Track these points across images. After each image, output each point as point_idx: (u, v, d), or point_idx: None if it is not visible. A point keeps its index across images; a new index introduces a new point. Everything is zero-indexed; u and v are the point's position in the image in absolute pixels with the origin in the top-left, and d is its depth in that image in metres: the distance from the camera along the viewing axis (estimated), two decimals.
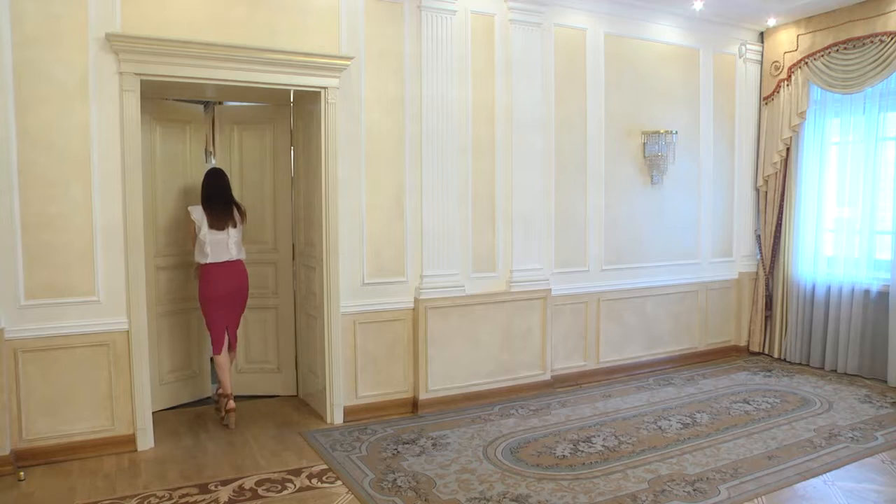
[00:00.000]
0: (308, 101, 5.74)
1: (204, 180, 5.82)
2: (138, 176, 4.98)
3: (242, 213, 5.75)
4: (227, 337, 5.73)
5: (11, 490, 4.35)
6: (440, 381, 5.95)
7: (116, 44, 4.74)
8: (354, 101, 5.57)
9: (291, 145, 6.21)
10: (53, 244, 4.72)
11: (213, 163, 6.56)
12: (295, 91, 5.79)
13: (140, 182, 5.01)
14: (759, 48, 7.73)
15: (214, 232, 5.54)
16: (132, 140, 4.91)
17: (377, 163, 5.70)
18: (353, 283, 5.65)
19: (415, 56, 5.77)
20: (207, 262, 5.56)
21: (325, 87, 5.41)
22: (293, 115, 6.17)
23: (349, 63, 5.46)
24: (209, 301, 5.61)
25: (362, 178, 5.64)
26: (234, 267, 5.65)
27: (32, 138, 4.62)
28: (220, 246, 5.57)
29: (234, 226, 5.63)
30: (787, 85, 7.41)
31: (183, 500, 4.20)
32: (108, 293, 4.89)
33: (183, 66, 4.96)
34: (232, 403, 5.57)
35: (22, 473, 4.51)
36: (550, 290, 6.45)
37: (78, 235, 4.79)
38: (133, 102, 4.88)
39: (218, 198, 5.65)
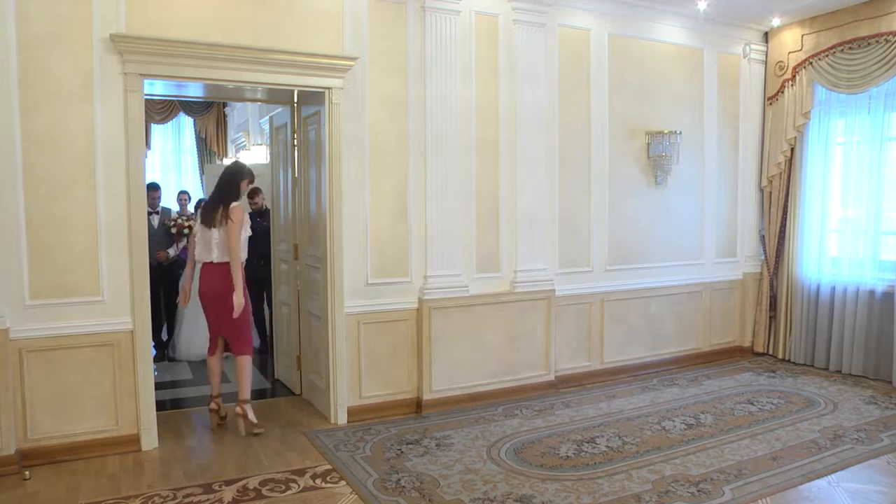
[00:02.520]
0: (312, 102, 5.74)
1: None
2: (142, 176, 5.00)
3: (226, 216, 5.31)
4: (221, 340, 5.57)
5: (16, 489, 4.36)
6: (444, 381, 5.94)
7: (121, 44, 4.75)
8: (358, 102, 5.58)
9: (294, 145, 6.21)
10: (58, 244, 4.73)
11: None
12: (299, 91, 5.82)
13: (143, 182, 5.03)
14: (764, 48, 7.72)
15: (204, 228, 5.43)
16: (136, 140, 4.92)
17: (381, 163, 5.70)
18: (357, 284, 5.65)
19: (419, 56, 5.77)
20: (196, 260, 5.55)
21: (328, 88, 5.42)
22: (296, 115, 6.17)
23: (353, 63, 5.46)
24: (200, 301, 5.60)
25: (366, 179, 5.64)
26: (214, 271, 5.38)
27: (37, 138, 4.64)
28: (206, 245, 5.42)
29: (216, 225, 5.34)
30: (792, 85, 7.40)
31: (187, 500, 4.21)
32: (112, 293, 4.91)
33: (187, 67, 4.98)
34: (214, 405, 5.53)
35: (27, 473, 4.53)
36: (554, 290, 6.45)
37: (82, 235, 4.80)
38: (137, 103, 4.90)
39: (213, 194, 5.62)
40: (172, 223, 7.92)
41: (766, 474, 4.55)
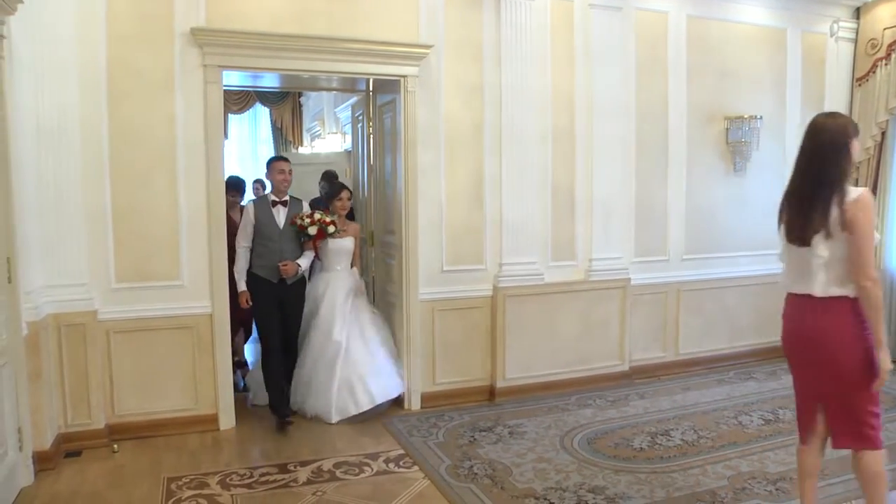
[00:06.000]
0: (387, 90, 5.77)
1: None
2: (221, 164, 5.12)
3: (843, 215, 3.16)
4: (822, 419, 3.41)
5: (107, 461, 4.62)
6: (517, 369, 5.92)
7: (201, 38, 4.89)
8: (433, 90, 5.57)
9: (370, 134, 6.27)
10: (141, 231, 4.92)
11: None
12: (374, 80, 5.86)
13: (222, 170, 5.16)
14: (854, 25, 7.32)
15: (791, 246, 3.43)
16: (215, 130, 5.06)
17: (456, 151, 5.70)
18: (432, 271, 5.67)
19: (494, 43, 5.72)
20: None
21: (404, 76, 5.43)
22: (371, 103, 6.23)
23: (428, 51, 5.46)
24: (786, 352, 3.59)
25: (441, 166, 5.64)
26: (815, 308, 3.29)
27: (122, 130, 4.82)
28: (802, 269, 3.38)
29: (823, 235, 3.24)
30: (886, 64, 6.97)
31: (263, 479, 4.34)
32: (191, 278, 5.07)
33: (264, 58, 5.09)
34: None
35: (115, 446, 4.78)
36: (629, 279, 6.34)
37: (164, 222, 4.98)
38: (216, 94, 5.02)
39: (799, 182, 3.49)
40: (309, 221, 5.37)
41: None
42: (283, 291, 5.37)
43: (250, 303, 5.31)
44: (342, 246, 5.66)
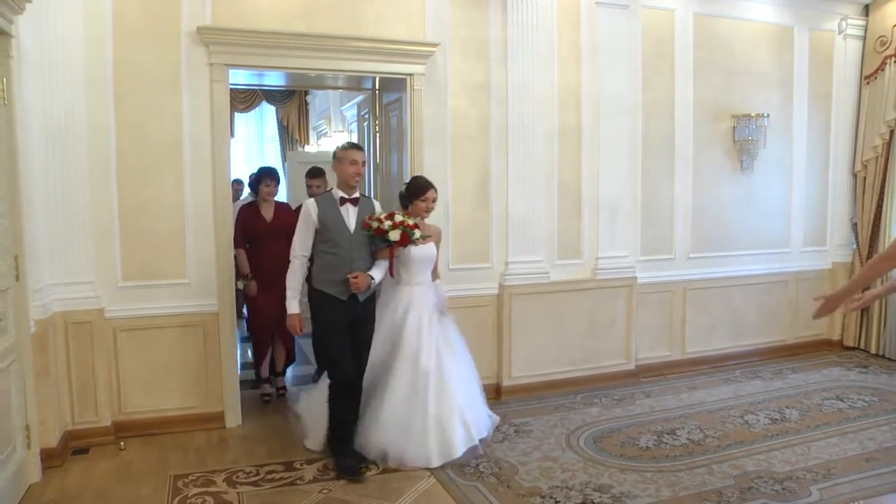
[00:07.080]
0: (393, 89, 5.77)
1: None
2: (227, 163, 5.13)
3: None
4: None
5: (114, 458, 4.64)
6: (523, 368, 5.92)
7: (207, 36, 4.90)
8: (440, 88, 5.57)
9: (376, 132, 6.27)
10: (147, 228, 4.93)
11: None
12: (380, 78, 5.85)
13: (228, 169, 5.17)
14: (863, 22, 7.28)
15: None
16: (221, 128, 5.07)
17: (462, 149, 5.69)
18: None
19: (500, 42, 5.72)
20: None
21: (410, 74, 5.43)
22: (378, 101, 6.23)
23: (435, 49, 5.46)
24: None
25: (448, 164, 5.64)
26: None
27: (128, 128, 4.83)
28: None
29: None
30: (895, 61, 6.97)
31: (269, 477, 4.35)
32: (197, 276, 5.08)
33: (271, 57, 5.09)
34: None
35: (122, 444, 4.80)
36: (636, 277, 6.33)
37: (170, 220, 4.99)
38: (222, 92, 5.04)
39: None
40: (390, 224, 4.35)
41: (859, 476, 4.35)
42: (354, 311, 4.40)
43: (303, 329, 4.48)
44: (426, 254, 4.69)
